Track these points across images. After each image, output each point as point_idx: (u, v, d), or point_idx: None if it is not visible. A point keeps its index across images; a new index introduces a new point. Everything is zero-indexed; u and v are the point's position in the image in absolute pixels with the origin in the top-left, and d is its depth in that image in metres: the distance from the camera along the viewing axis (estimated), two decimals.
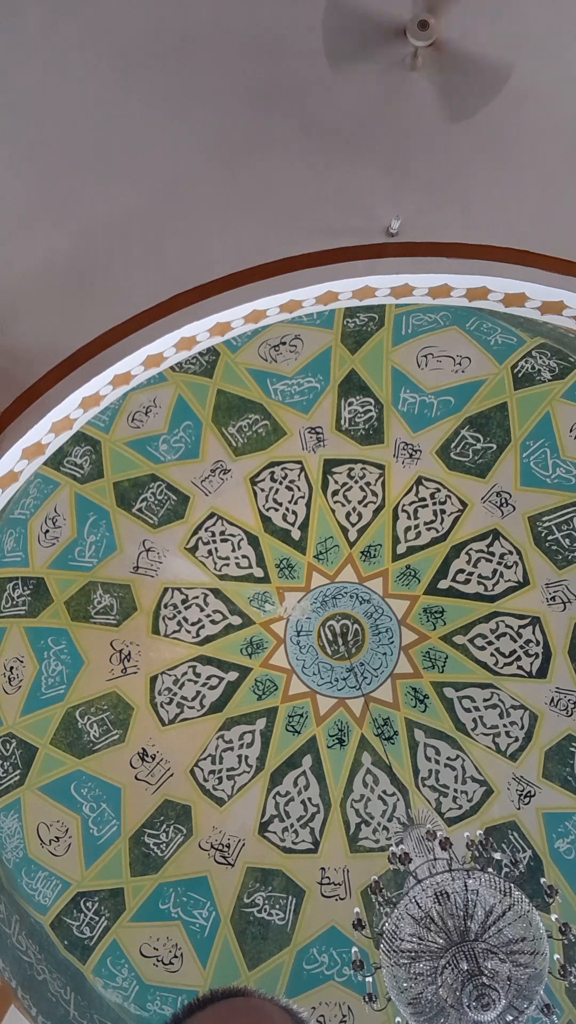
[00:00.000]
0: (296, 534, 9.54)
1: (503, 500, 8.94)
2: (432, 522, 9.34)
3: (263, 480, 9.32)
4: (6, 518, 7.71)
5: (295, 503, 9.45)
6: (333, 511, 9.49)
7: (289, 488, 9.39)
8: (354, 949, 5.56)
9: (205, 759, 9.31)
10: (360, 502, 9.45)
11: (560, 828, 8.62)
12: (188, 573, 9.37)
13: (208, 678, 9.46)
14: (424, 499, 9.28)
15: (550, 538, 8.81)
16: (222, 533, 9.38)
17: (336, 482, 9.41)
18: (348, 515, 9.51)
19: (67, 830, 8.38)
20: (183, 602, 9.40)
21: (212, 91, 4.53)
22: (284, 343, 8.50)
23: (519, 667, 9.14)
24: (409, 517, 9.40)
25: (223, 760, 9.36)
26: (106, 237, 4.79)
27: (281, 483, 9.36)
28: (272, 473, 9.30)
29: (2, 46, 4.34)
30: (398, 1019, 5.60)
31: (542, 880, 5.73)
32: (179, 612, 9.38)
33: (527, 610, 9.07)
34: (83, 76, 4.45)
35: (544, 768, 8.85)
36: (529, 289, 5.01)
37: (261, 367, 8.67)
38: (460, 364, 8.45)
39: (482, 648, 9.30)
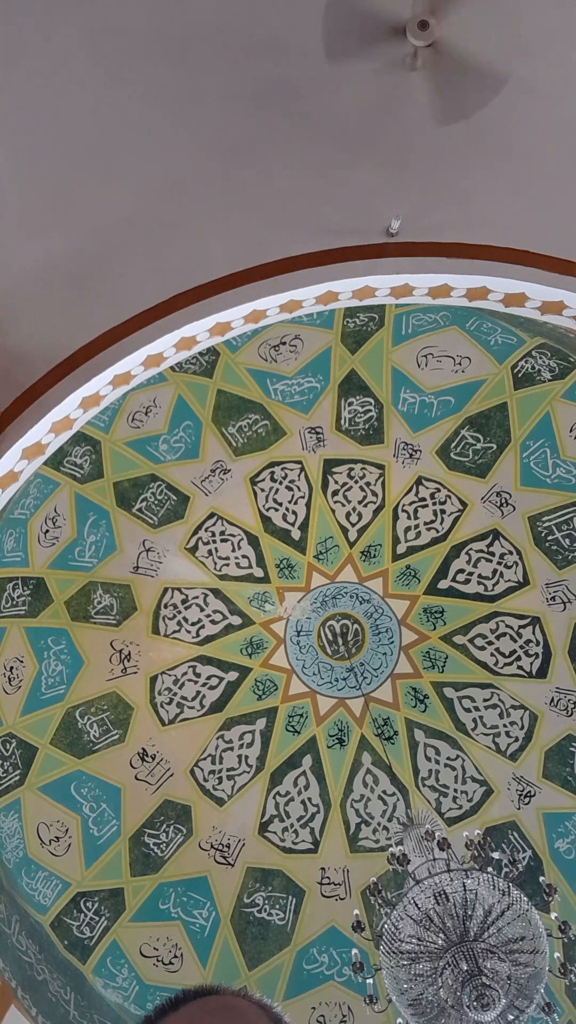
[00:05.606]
0: (296, 534, 9.54)
1: (503, 500, 8.94)
2: (432, 522, 9.34)
3: (263, 480, 9.32)
4: (6, 518, 7.71)
5: (295, 503, 9.45)
6: (333, 511, 9.49)
7: (289, 488, 9.39)
8: (354, 951, 5.56)
9: (205, 759, 9.31)
10: (360, 502, 9.45)
11: (560, 828, 8.63)
12: (188, 573, 9.37)
13: (208, 678, 9.46)
14: (424, 499, 9.28)
15: (550, 538, 8.82)
16: (222, 533, 9.38)
17: (336, 482, 9.41)
18: (348, 515, 9.51)
19: (67, 830, 8.38)
20: (183, 602, 9.40)
21: (212, 91, 4.53)
22: (284, 343, 8.50)
23: (519, 667, 9.14)
24: (409, 517, 9.40)
25: (223, 760, 9.36)
26: (106, 237, 4.79)
27: (281, 483, 9.36)
28: (272, 473, 9.31)
29: (1, 45, 4.33)
30: (399, 1020, 5.59)
31: (541, 879, 5.73)
32: (179, 612, 9.39)
33: (527, 610, 9.07)
34: (82, 76, 4.44)
35: (544, 768, 8.85)
36: (529, 289, 5.00)
37: (261, 367, 8.67)
38: (460, 364, 8.45)
39: (482, 648, 9.30)
